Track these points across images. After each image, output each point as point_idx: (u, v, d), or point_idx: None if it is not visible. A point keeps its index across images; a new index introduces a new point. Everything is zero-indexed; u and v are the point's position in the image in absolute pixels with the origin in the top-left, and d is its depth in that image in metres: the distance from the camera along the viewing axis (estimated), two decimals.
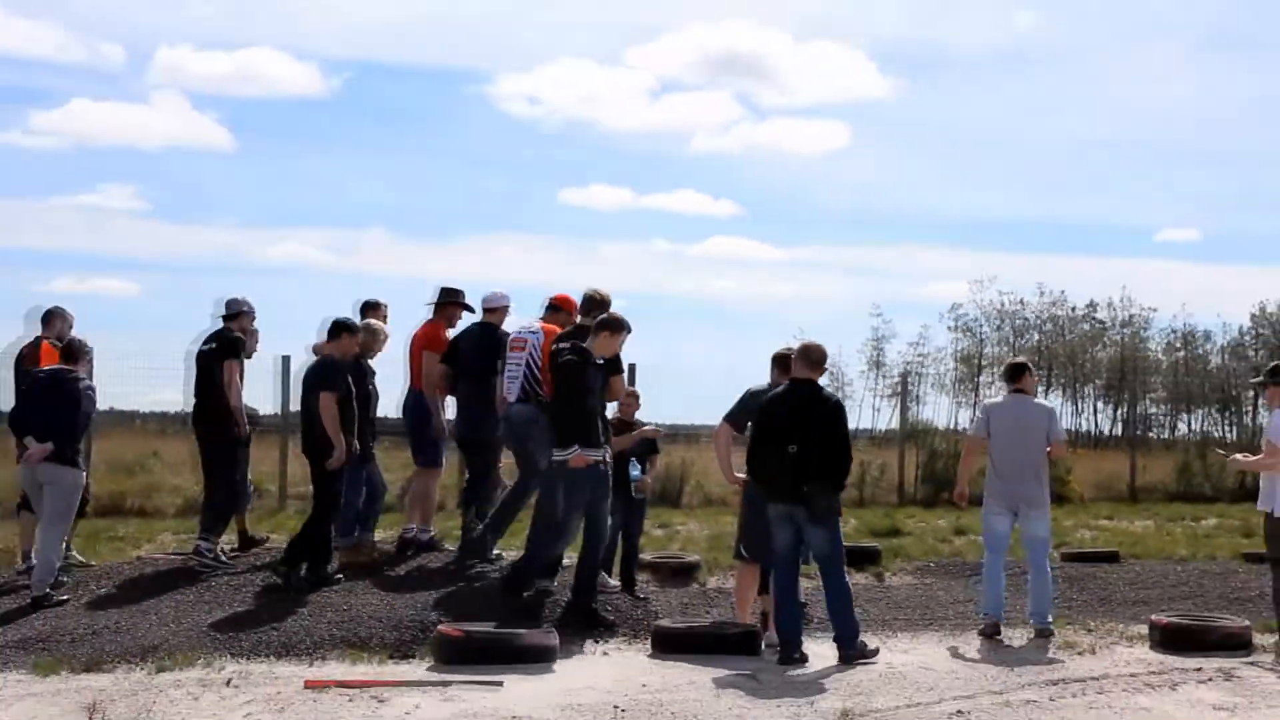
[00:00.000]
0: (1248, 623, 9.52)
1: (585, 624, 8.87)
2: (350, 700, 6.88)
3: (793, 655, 8.25)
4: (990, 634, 9.31)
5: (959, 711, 7.02)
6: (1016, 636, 9.38)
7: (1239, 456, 9.96)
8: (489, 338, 10.61)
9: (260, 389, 16.24)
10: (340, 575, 9.79)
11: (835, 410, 8.51)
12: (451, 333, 11.05)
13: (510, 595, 9.12)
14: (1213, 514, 19.49)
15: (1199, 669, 8.33)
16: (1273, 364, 9.74)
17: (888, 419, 44.39)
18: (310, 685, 7.19)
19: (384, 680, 7.33)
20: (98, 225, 69.10)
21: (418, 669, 7.77)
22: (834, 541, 8.43)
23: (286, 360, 17.99)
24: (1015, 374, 9.93)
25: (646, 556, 12.27)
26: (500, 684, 7.32)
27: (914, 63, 76.25)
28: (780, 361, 8.96)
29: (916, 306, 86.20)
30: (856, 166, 75.14)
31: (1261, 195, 70.87)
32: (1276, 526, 9.10)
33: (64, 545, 10.04)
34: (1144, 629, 9.47)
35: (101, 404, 17.19)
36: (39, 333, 10.85)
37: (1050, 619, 9.44)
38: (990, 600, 9.48)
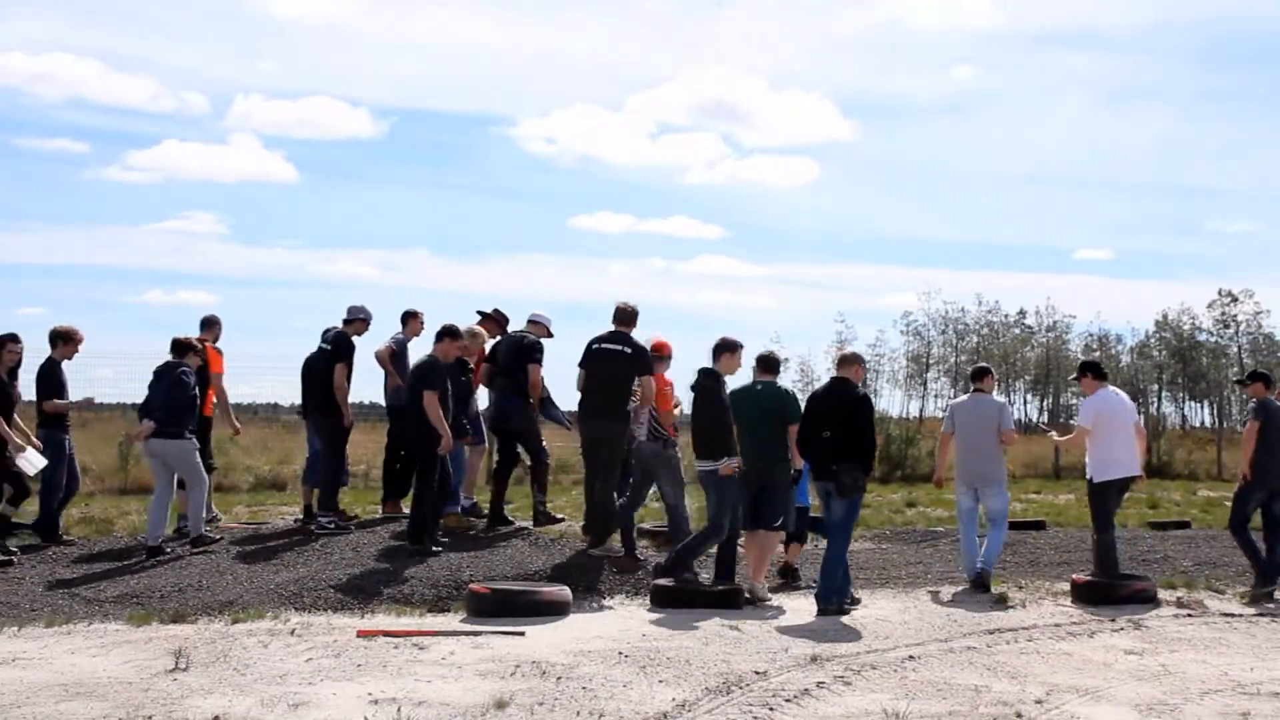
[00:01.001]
0: (1153, 580, 9.52)
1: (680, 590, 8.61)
2: (396, 647, 6.86)
3: (844, 604, 8.44)
4: (979, 586, 9.34)
5: (910, 657, 7.00)
6: (959, 594, 9.36)
7: (1054, 434, 11.23)
8: (520, 344, 10.68)
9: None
10: (444, 542, 9.71)
11: (861, 404, 8.69)
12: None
13: (668, 577, 8.70)
14: None
15: (1113, 620, 8.32)
16: (1081, 360, 10.01)
17: None
18: (362, 634, 7.17)
19: (424, 630, 7.31)
20: (183, 246, 69.20)
21: (452, 620, 7.75)
22: (848, 516, 8.61)
23: None
24: (978, 375, 10.05)
25: (645, 525, 12.25)
26: (523, 633, 7.30)
27: (871, 109, 76.40)
28: (762, 362, 9.07)
29: (873, 314, 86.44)
30: (824, 197, 75.31)
31: (1163, 221, 70.99)
32: (1093, 491, 9.67)
33: (204, 506, 10.21)
34: (1066, 586, 9.45)
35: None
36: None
37: (989, 569, 9.42)
38: (968, 562, 9.57)
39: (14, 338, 9.97)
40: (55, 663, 6.38)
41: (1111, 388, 9.88)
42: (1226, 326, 44.45)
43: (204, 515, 10.07)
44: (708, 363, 8.96)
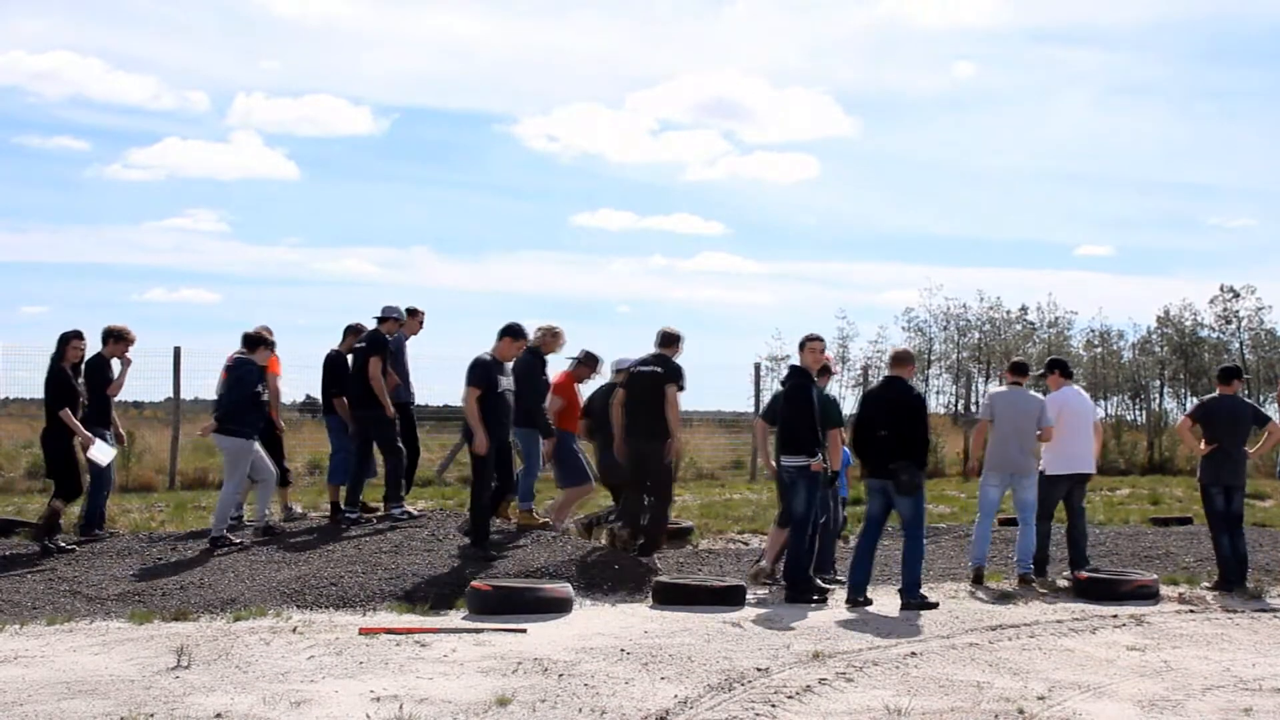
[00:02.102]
0: (1155, 576, 9.52)
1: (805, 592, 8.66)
2: (398, 644, 6.86)
3: (858, 599, 8.54)
4: (978, 580, 9.41)
5: (912, 653, 7.00)
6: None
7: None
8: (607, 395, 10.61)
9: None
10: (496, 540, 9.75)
11: (916, 402, 8.80)
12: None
13: (800, 600, 8.60)
14: (1125, 485, 19.45)
15: (1115, 615, 8.32)
16: (1050, 358, 10.06)
17: (851, 405, 44.30)
18: (364, 632, 7.17)
19: (426, 628, 7.31)
20: (185, 244, 69.00)
21: (454, 618, 7.75)
22: (917, 510, 8.67)
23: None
24: (1019, 370, 10.04)
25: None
26: (524, 630, 7.30)
27: (872, 105, 76.05)
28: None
29: (875, 311, 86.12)
30: (825, 193, 75.04)
31: (1165, 217, 70.88)
32: (1044, 481, 9.79)
33: (274, 501, 10.58)
34: (1068, 583, 9.44)
35: (187, 394, 17.26)
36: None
37: (1031, 567, 9.61)
38: (979, 553, 9.63)
39: (78, 334, 10.11)
40: (57, 660, 6.39)
41: (1075, 386, 9.97)
42: (1228, 322, 44.39)
43: (230, 515, 10.08)
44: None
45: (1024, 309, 49.48)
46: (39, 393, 10.36)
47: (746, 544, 11.83)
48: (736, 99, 73.52)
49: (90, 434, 9.88)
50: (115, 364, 10.37)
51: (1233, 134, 67.52)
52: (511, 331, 9.67)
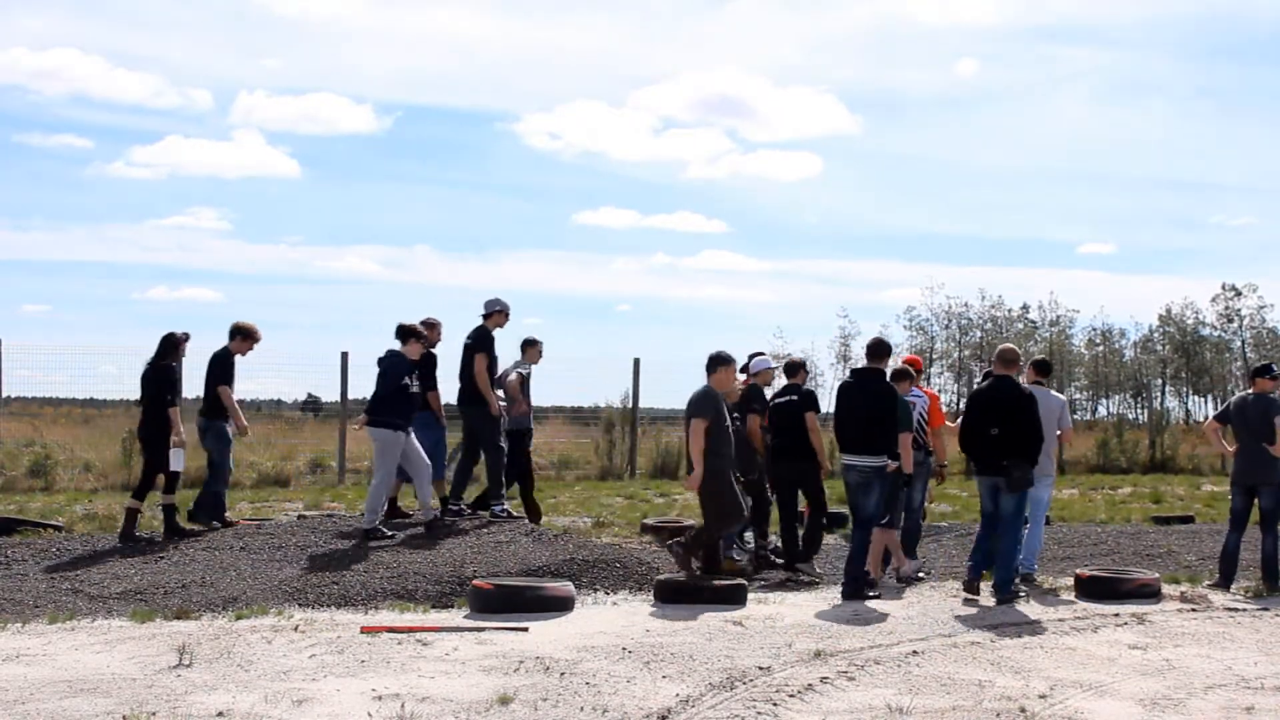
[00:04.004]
0: (1157, 575, 9.51)
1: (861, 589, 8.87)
2: (399, 643, 6.86)
3: (1012, 590, 8.74)
4: (1028, 581, 9.46)
5: (914, 652, 6.99)
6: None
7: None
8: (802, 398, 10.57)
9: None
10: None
11: (1026, 401, 8.87)
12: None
13: (856, 597, 8.76)
14: (1127, 484, 19.47)
15: (1116, 614, 8.31)
16: (1036, 358, 10.13)
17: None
18: (366, 630, 7.17)
19: (428, 626, 7.31)
20: (187, 242, 69.03)
21: (456, 616, 7.75)
22: (1019, 508, 8.82)
23: (345, 355, 18.04)
24: (1042, 369, 10.08)
25: (649, 521, 12.28)
26: (526, 629, 7.30)
27: (875, 104, 76.02)
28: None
29: (877, 309, 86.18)
30: (827, 191, 75.06)
31: (1167, 215, 70.84)
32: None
33: (431, 494, 10.41)
34: (1070, 581, 9.44)
35: (188, 393, 17.23)
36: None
37: (1035, 567, 9.67)
38: (1027, 557, 9.60)
39: (187, 336, 10.31)
40: (59, 659, 6.39)
41: (1051, 391, 9.89)
42: (1230, 321, 44.41)
43: (380, 509, 10.14)
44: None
45: (1025, 308, 49.41)
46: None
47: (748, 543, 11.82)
48: (739, 97, 73.55)
49: (182, 437, 10.07)
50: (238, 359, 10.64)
51: (1235, 132, 67.53)
52: (724, 360, 9.09)
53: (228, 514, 10.62)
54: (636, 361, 20.35)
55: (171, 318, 60.72)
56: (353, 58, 76.81)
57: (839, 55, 77.15)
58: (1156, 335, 44.46)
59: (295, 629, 7.22)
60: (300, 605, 7.97)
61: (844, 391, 9.14)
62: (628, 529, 12.27)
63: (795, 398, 9.91)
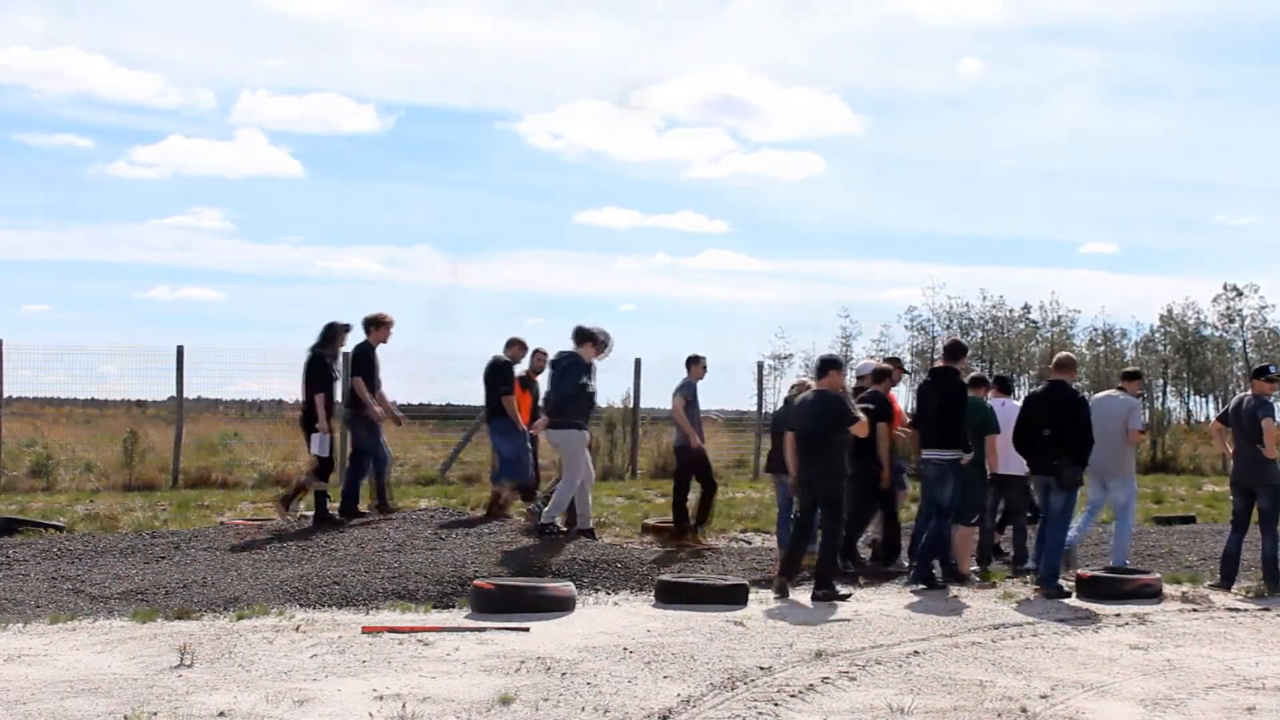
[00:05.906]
0: (1158, 575, 9.50)
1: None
2: (400, 643, 6.86)
3: (1058, 584, 9.06)
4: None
5: (915, 652, 7.00)
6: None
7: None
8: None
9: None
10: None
11: (1078, 404, 9.29)
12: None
13: (955, 581, 9.37)
14: None
15: (1117, 614, 8.31)
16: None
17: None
18: (367, 630, 7.17)
19: (429, 626, 7.31)
20: (189, 242, 69.01)
21: (457, 616, 7.75)
22: (1067, 506, 9.21)
23: (345, 356, 18.01)
24: (1132, 378, 10.54)
25: (650, 521, 12.27)
26: (527, 629, 7.30)
27: (878, 104, 75.86)
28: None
29: (878, 309, 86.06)
30: (830, 191, 74.97)
31: (1169, 215, 70.82)
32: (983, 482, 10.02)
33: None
34: (1071, 581, 9.43)
35: (189, 393, 17.28)
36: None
37: (1126, 563, 9.92)
38: (1118, 554, 9.96)
39: (348, 327, 10.66)
40: (60, 659, 6.39)
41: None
42: (1231, 321, 44.36)
43: (562, 507, 10.20)
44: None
45: (1026, 308, 49.39)
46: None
47: (749, 542, 11.84)
48: (741, 97, 73.49)
49: (329, 426, 10.38)
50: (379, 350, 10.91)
51: (1238, 132, 67.45)
52: (836, 364, 9.20)
53: (362, 505, 10.83)
54: (638, 361, 20.31)
55: (172, 318, 60.72)
56: (355, 58, 76.85)
57: (842, 55, 77.14)
58: (1158, 335, 44.40)
59: (296, 629, 7.22)
60: (301, 605, 7.97)
61: (922, 390, 9.71)
62: (629, 529, 12.27)
63: (871, 406, 9.83)
